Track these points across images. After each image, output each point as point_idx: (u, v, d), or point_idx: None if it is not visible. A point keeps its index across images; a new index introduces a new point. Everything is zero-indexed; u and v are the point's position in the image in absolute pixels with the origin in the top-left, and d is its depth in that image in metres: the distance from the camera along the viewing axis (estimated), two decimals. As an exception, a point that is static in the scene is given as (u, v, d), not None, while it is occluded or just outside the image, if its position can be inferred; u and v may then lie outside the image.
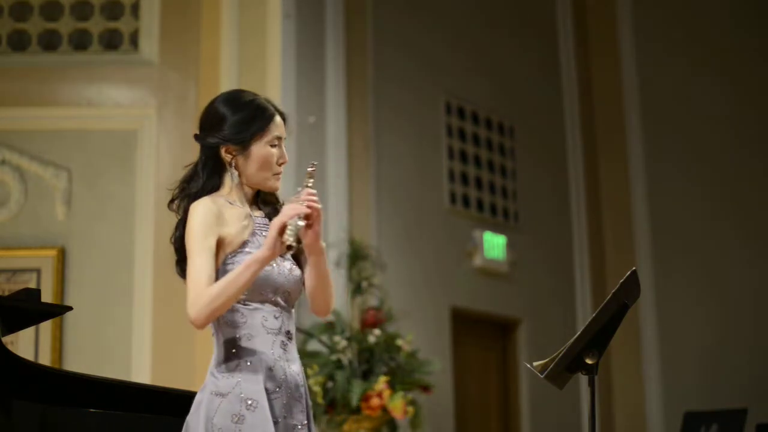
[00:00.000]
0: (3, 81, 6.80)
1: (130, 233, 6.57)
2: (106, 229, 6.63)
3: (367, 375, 6.30)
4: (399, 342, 6.43)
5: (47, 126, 6.77)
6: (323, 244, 2.81)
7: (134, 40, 6.95)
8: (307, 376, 6.31)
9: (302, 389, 2.80)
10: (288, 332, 2.80)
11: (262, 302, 2.77)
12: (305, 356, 6.28)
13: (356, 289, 6.66)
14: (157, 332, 6.45)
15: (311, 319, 6.49)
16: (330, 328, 6.39)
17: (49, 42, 6.95)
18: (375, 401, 6.12)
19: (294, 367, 2.79)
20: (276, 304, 2.79)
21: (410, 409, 6.24)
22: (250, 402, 2.68)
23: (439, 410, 7.42)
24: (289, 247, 2.65)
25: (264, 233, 2.81)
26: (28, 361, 3.33)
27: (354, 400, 6.10)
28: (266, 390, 2.71)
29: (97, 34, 6.97)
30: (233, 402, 2.68)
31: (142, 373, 6.33)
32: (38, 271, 6.51)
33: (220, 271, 2.74)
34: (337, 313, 6.47)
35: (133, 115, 6.81)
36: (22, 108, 6.77)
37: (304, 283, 2.89)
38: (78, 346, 6.44)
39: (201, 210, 2.74)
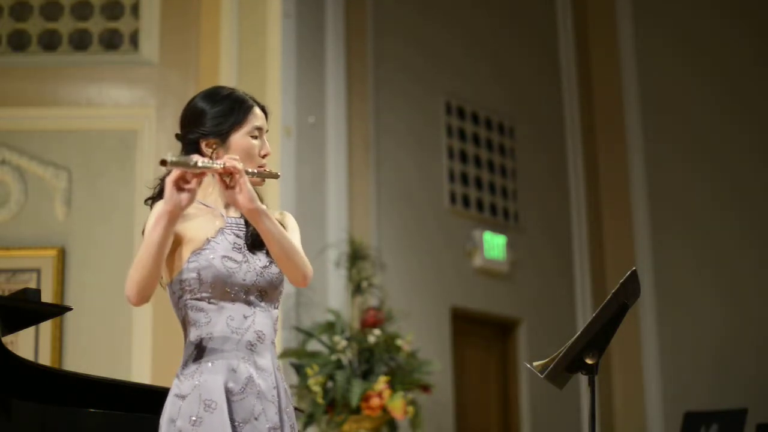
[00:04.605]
0: (3, 81, 6.80)
1: (130, 233, 6.56)
2: (106, 229, 6.63)
3: (367, 375, 6.29)
4: (399, 342, 6.43)
5: (47, 126, 6.77)
6: (261, 206, 2.68)
7: (134, 40, 6.95)
8: (307, 376, 6.31)
9: (275, 391, 2.74)
10: (259, 332, 2.74)
11: (232, 301, 2.73)
12: (305, 356, 6.28)
13: (356, 289, 6.67)
14: (157, 332, 6.45)
15: (311, 319, 6.49)
16: (330, 328, 6.40)
17: (49, 42, 6.95)
18: (375, 401, 6.12)
19: (263, 368, 2.73)
20: (249, 303, 2.75)
21: (410, 409, 6.24)
22: (208, 403, 2.64)
23: (439, 410, 7.42)
24: (164, 162, 2.53)
25: (235, 232, 2.79)
26: (28, 361, 3.32)
27: (354, 400, 6.10)
28: (229, 391, 2.67)
29: (97, 34, 6.97)
30: (192, 404, 2.65)
31: (142, 373, 6.33)
32: (38, 271, 6.51)
33: (184, 270, 2.73)
34: (337, 313, 6.48)
35: (133, 115, 6.81)
36: (22, 108, 6.77)
37: (280, 279, 2.82)
38: (78, 346, 6.44)
39: (160, 203, 2.73)
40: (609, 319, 3.04)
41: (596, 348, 3.03)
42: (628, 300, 3.04)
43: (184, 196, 2.60)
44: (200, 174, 2.62)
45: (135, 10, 6.96)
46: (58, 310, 4.68)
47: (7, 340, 3.28)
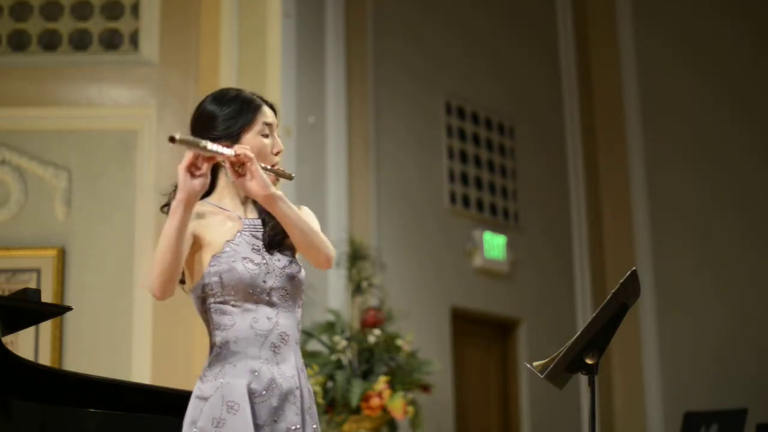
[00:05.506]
0: (3, 81, 6.80)
1: (130, 233, 6.57)
2: (106, 229, 6.63)
3: (367, 375, 6.30)
4: (399, 342, 6.43)
5: (47, 126, 6.76)
6: (276, 191, 2.68)
7: (134, 40, 6.95)
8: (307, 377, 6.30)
9: (298, 392, 2.74)
10: (282, 333, 2.75)
11: (255, 303, 2.73)
12: (305, 356, 6.27)
13: (356, 289, 6.67)
14: (157, 332, 6.45)
15: (311, 319, 6.49)
16: (330, 328, 6.40)
17: (49, 42, 6.95)
18: (375, 401, 6.12)
19: (286, 370, 2.73)
20: (271, 304, 2.75)
21: (410, 409, 6.24)
22: (231, 405, 2.64)
23: (439, 410, 7.42)
24: (172, 139, 2.48)
25: (253, 233, 2.79)
26: (28, 361, 3.33)
27: (354, 400, 6.10)
28: (252, 393, 2.67)
29: (97, 34, 6.97)
30: (215, 406, 2.65)
31: (142, 373, 6.33)
32: (38, 271, 6.51)
33: (206, 274, 2.73)
34: (337, 313, 6.48)
35: (133, 115, 6.81)
36: (22, 108, 6.77)
37: (301, 279, 2.83)
38: (78, 346, 6.44)
39: None
40: (609, 319, 3.04)
41: (596, 348, 3.03)
42: (628, 300, 3.04)
43: (197, 182, 2.60)
44: (210, 158, 2.61)
45: (135, 10, 6.96)
46: (58, 310, 4.68)
47: (7, 340, 3.28)
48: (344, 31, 7.24)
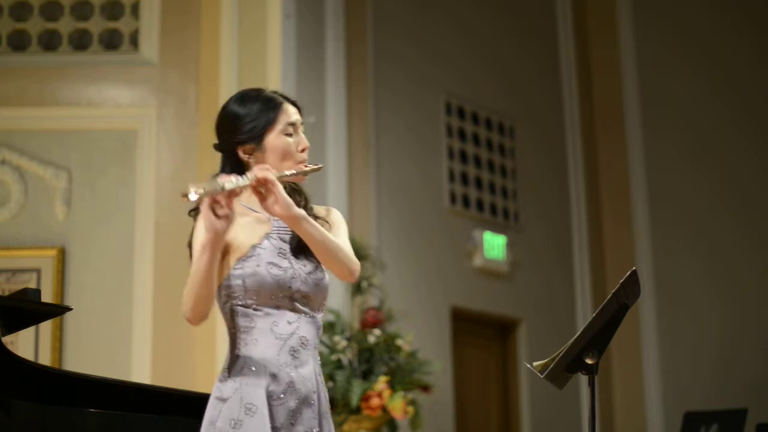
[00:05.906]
0: (3, 81, 6.80)
1: (130, 233, 6.56)
2: (106, 229, 6.63)
3: (367, 375, 6.30)
4: (399, 342, 6.43)
5: (47, 126, 6.77)
6: (298, 211, 2.67)
7: (134, 40, 6.95)
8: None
9: (315, 396, 2.76)
10: (302, 338, 2.76)
11: (277, 307, 2.74)
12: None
13: (356, 289, 6.67)
14: (157, 332, 6.45)
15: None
16: (330, 328, 6.40)
17: (49, 42, 6.95)
18: (375, 401, 6.12)
19: (304, 374, 2.74)
20: (294, 309, 2.76)
21: (410, 409, 6.24)
22: (249, 407, 2.65)
23: (439, 410, 7.42)
24: (186, 196, 2.47)
25: (281, 236, 2.79)
26: (28, 361, 3.33)
27: (354, 400, 6.10)
28: (270, 395, 2.68)
29: (97, 34, 6.97)
30: (233, 407, 2.66)
31: (142, 373, 6.33)
32: (38, 271, 6.51)
33: (230, 276, 2.73)
34: (337, 313, 6.48)
35: (133, 115, 6.81)
36: (22, 108, 6.77)
37: (325, 285, 2.83)
38: (78, 346, 6.44)
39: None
40: (609, 319, 3.04)
41: (596, 348, 3.03)
42: (628, 300, 3.04)
43: (222, 224, 2.58)
44: (232, 194, 2.59)
45: (135, 10, 6.96)
46: (58, 310, 4.68)
47: (7, 340, 3.28)
48: (344, 31, 7.24)
